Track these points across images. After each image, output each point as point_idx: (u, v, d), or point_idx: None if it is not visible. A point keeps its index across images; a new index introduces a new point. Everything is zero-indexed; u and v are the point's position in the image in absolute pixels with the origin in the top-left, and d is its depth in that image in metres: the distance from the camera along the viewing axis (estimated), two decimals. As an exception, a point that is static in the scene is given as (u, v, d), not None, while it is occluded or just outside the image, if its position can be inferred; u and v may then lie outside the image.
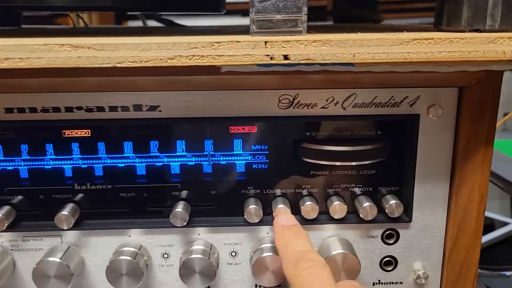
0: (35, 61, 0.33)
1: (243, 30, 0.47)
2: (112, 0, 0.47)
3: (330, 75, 0.38)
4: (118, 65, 0.33)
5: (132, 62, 0.33)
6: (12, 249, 0.43)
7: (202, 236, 0.44)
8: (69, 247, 0.43)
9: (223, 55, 0.34)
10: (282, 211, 0.42)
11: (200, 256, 0.41)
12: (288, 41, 0.34)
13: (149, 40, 0.33)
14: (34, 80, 0.39)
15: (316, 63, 0.34)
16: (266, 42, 0.34)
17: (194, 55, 0.33)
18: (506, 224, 1.45)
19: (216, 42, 0.33)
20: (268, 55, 0.34)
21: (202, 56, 0.33)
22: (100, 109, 0.40)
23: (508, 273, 1.26)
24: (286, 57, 0.34)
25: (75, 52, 0.33)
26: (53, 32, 0.65)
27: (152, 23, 1.01)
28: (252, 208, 0.42)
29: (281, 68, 0.36)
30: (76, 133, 0.42)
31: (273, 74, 0.38)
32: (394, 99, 0.41)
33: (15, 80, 0.38)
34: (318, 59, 0.34)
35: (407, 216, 0.44)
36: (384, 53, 0.34)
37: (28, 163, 0.43)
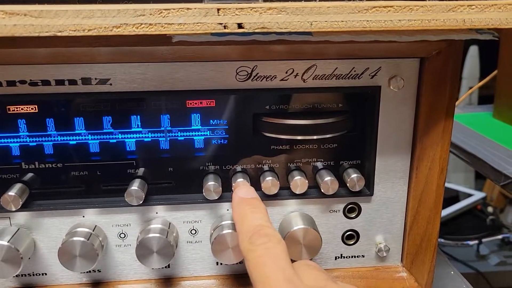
0: (-35, 29, 0.30)
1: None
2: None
3: (290, 45, 0.37)
4: (59, 34, 0.31)
5: (74, 30, 0.31)
6: (-44, 233, 0.41)
7: (160, 214, 0.42)
8: (19, 229, 0.41)
9: (172, 24, 0.31)
10: (241, 184, 0.40)
11: (157, 235, 0.40)
12: (242, 8, 0.32)
13: (92, 7, 0.31)
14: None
15: (272, 32, 0.33)
16: (218, 10, 0.32)
17: (141, 23, 0.31)
18: (469, 195, 1.49)
19: (165, 9, 0.31)
20: (221, 24, 0.32)
21: (150, 24, 0.31)
22: (46, 82, 0.38)
23: (471, 242, 1.30)
24: (240, 25, 0.32)
25: (10, 19, 0.30)
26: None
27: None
28: (211, 185, 0.41)
29: (236, 38, 0.34)
30: (22, 109, 0.40)
31: (231, 45, 0.36)
32: (355, 71, 0.40)
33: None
34: (274, 28, 0.32)
35: (368, 189, 0.43)
36: (342, 21, 0.32)
37: (-30, 141, 0.40)
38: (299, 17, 0.32)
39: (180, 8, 0.31)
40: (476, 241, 1.28)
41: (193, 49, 0.37)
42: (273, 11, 0.32)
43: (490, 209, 1.45)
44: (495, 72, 0.94)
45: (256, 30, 0.32)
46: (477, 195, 1.49)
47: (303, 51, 0.38)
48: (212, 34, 0.33)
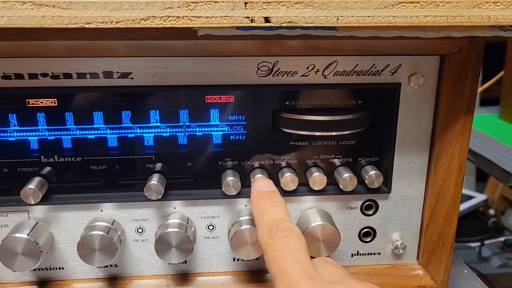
0: (-6, 20, 0.30)
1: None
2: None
3: (310, 41, 0.37)
4: (87, 26, 0.31)
5: (102, 22, 0.31)
6: (-26, 226, 0.41)
7: (178, 209, 0.42)
8: (37, 222, 0.41)
9: (200, 17, 0.31)
10: (260, 177, 0.40)
11: (176, 229, 0.40)
12: (269, 2, 0.32)
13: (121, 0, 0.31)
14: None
15: (298, 26, 0.33)
16: (246, 3, 0.32)
17: (169, 16, 0.31)
18: (471, 198, 1.50)
19: (192, 2, 0.31)
20: (248, 17, 0.32)
21: (178, 17, 0.31)
22: (67, 76, 0.38)
23: (473, 244, 1.30)
24: (267, 19, 0.32)
25: (39, 10, 0.30)
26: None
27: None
28: (230, 180, 0.41)
29: (261, 32, 0.34)
30: (42, 102, 0.40)
31: (252, 39, 0.36)
32: (375, 67, 0.40)
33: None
34: (301, 22, 0.32)
35: (386, 186, 0.43)
36: (368, 16, 0.32)
37: (-11, 134, 0.40)
38: (326, 12, 0.32)
39: (207, 1, 0.31)
40: (478, 243, 1.28)
41: (216, 43, 0.37)
42: (300, 5, 0.32)
43: (491, 211, 1.45)
44: (501, 73, 0.94)
45: (282, 25, 0.32)
46: (479, 197, 1.49)
47: (322, 47, 0.38)
48: (237, 28, 0.33)
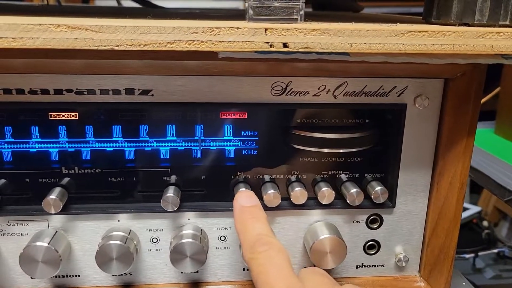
0: (29, 41, 0.32)
1: (231, 15, 0.47)
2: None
3: (319, 63, 0.39)
4: (116, 48, 0.33)
5: (131, 45, 0.33)
6: (-4, 234, 0.42)
7: (191, 220, 0.44)
8: (57, 231, 0.42)
9: (222, 41, 0.33)
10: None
11: (190, 240, 0.41)
12: (288, 29, 0.34)
13: (148, 24, 0.33)
14: (21, 60, 0.38)
15: (313, 51, 0.35)
16: (266, 29, 0.34)
17: (194, 40, 0.33)
18: (465, 209, 1.52)
19: (216, 28, 0.33)
20: (267, 43, 0.34)
21: (202, 41, 0.33)
22: (91, 92, 0.39)
23: (467, 255, 1.32)
24: (285, 45, 0.34)
25: (72, 33, 0.32)
26: (26, 10, 0.62)
27: (127, 3, 0.98)
28: (243, 194, 0.42)
29: (279, 56, 0.36)
30: (63, 115, 0.41)
31: (264, 61, 0.38)
32: (383, 89, 0.42)
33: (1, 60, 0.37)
34: (316, 48, 0.34)
35: (391, 202, 0.45)
36: (380, 43, 0.35)
37: (12, 146, 0.42)
38: (340, 39, 0.34)
39: (230, 27, 0.33)
40: (472, 255, 1.30)
41: (234, 64, 0.39)
42: (316, 32, 0.34)
43: (485, 223, 1.47)
44: (497, 89, 0.97)
45: (299, 50, 0.34)
46: (473, 209, 1.51)
47: (331, 69, 0.40)
48: (256, 52, 0.35)
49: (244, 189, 0.43)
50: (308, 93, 0.42)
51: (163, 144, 0.43)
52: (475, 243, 1.35)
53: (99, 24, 0.32)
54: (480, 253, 1.34)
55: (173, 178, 0.44)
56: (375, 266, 0.48)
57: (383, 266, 0.48)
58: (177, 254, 0.41)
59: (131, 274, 0.45)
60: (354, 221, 0.46)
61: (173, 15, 0.49)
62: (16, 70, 0.38)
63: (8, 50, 0.32)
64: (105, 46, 0.32)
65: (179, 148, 0.43)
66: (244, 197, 0.40)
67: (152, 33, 0.33)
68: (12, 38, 0.32)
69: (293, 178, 0.45)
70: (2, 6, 0.72)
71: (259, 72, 0.40)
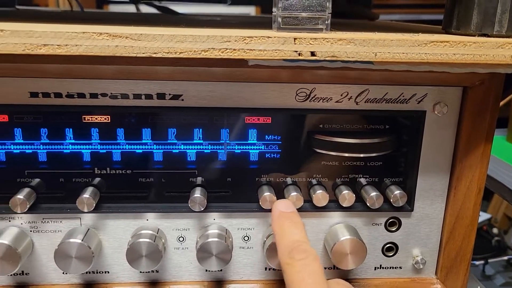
0: (73, 48, 0.34)
1: (252, 22, 0.48)
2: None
3: (340, 71, 0.41)
4: (154, 55, 0.35)
5: (167, 53, 0.35)
6: (31, 231, 0.44)
7: (217, 221, 0.46)
8: (89, 229, 0.44)
9: (254, 50, 0.35)
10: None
11: (216, 239, 0.43)
12: (315, 38, 0.36)
13: (183, 32, 0.35)
14: (59, 65, 0.39)
15: (339, 60, 0.37)
16: (295, 39, 0.35)
17: (226, 48, 0.35)
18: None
19: (248, 37, 0.35)
20: (296, 51, 0.36)
21: (234, 49, 0.35)
22: (125, 96, 0.41)
23: (477, 262, 1.32)
24: (313, 53, 0.36)
25: (113, 41, 0.34)
26: (51, 16, 0.65)
27: (144, 8, 1.01)
28: (267, 195, 0.44)
29: (306, 64, 0.38)
30: (96, 118, 0.43)
31: (288, 68, 0.40)
32: (403, 96, 0.44)
33: (39, 65, 0.39)
34: (342, 57, 0.36)
35: (409, 205, 0.47)
36: (403, 53, 0.36)
37: (47, 147, 0.44)
38: (365, 48, 0.36)
39: (261, 36, 0.35)
40: (482, 261, 1.31)
41: (260, 71, 0.41)
42: (343, 42, 0.36)
43: (495, 230, 1.47)
44: (510, 96, 0.98)
45: (326, 58, 0.36)
46: (483, 216, 1.51)
47: (350, 77, 0.42)
48: (285, 60, 0.37)
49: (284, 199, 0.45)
50: (331, 99, 0.43)
51: (190, 147, 0.45)
52: (485, 250, 1.36)
53: (139, 33, 0.34)
54: (490, 260, 1.34)
55: (200, 179, 0.46)
56: (392, 268, 0.49)
57: (401, 268, 0.49)
58: (203, 253, 0.43)
59: (157, 272, 0.47)
60: (373, 224, 0.47)
61: (197, 23, 0.51)
62: (53, 75, 0.40)
63: (48, 56, 0.34)
64: (143, 53, 0.34)
65: (205, 151, 0.45)
66: (283, 203, 0.42)
67: (188, 41, 0.35)
68: (57, 45, 0.34)
69: (314, 181, 0.47)
70: (30, 13, 0.74)
71: (281, 79, 0.42)
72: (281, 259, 0.38)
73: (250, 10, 2.44)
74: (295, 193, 0.45)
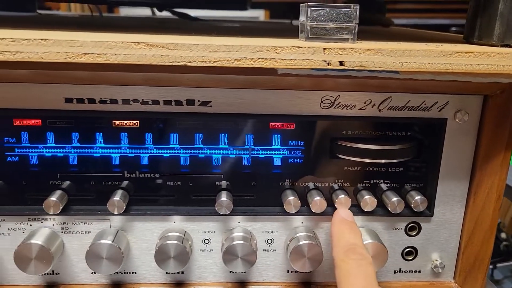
0: (112, 57, 0.35)
1: (269, 28, 0.50)
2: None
3: (362, 79, 0.42)
4: (189, 64, 0.36)
5: (202, 62, 0.36)
6: (62, 232, 0.45)
7: (241, 224, 0.47)
8: (118, 231, 0.45)
9: (284, 59, 0.37)
10: (343, 201, 0.45)
11: (242, 242, 0.44)
12: (344, 48, 0.37)
13: (217, 42, 0.36)
14: (93, 72, 0.41)
15: (366, 69, 0.38)
16: (324, 49, 0.37)
17: (258, 58, 0.36)
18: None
19: (279, 47, 0.36)
20: (325, 61, 0.37)
21: (266, 59, 0.36)
22: (155, 102, 0.43)
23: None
24: (341, 63, 0.37)
25: (150, 50, 0.35)
26: (74, 22, 0.66)
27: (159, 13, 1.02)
28: (291, 199, 0.45)
29: (333, 73, 0.39)
30: (126, 123, 0.45)
31: (312, 77, 0.41)
32: (425, 104, 0.45)
33: (74, 72, 0.40)
34: (370, 66, 0.37)
35: (429, 210, 0.48)
36: (429, 63, 0.37)
37: (78, 150, 0.45)
38: (392, 58, 0.37)
39: (292, 46, 0.36)
40: (491, 266, 1.31)
41: (288, 79, 0.42)
42: (370, 52, 0.37)
43: (503, 235, 1.48)
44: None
45: (354, 68, 0.37)
46: (491, 221, 1.51)
47: (369, 84, 0.43)
48: (313, 69, 0.38)
49: (343, 195, 0.46)
50: (354, 106, 0.44)
51: (216, 152, 0.46)
52: (493, 254, 1.36)
53: (175, 42, 0.35)
54: (498, 265, 1.35)
55: (225, 183, 0.47)
56: (412, 271, 0.50)
57: (420, 272, 0.50)
58: (229, 255, 0.44)
59: (183, 273, 0.48)
60: (394, 228, 0.48)
61: (218, 30, 0.52)
62: (87, 81, 0.41)
63: (85, 64, 0.35)
64: (179, 62, 0.36)
65: (231, 155, 0.47)
66: (345, 212, 0.45)
67: (222, 51, 0.36)
68: (97, 54, 0.35)
69: (336, 186, 0.48)
70: (52, 19, 0.76)
71: (305, 86, 0.43)
72: (336, 256, 0.40)
73: (259, 14, 2.45)
74: (318, 198, 0.46)
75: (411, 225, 0.48)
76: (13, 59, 0.34)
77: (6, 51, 0.34)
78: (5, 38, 0.34)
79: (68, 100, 0.42)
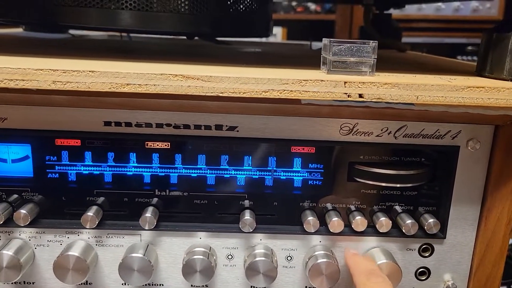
0: (151, 87, 0.39)
1: (296, 55, 0.53)
2: (183, 27, 0.52)
3: (376, 109, 0.45)
4: (221, 95, 0.39)
5: (232, 92, 0.39)
6: (96, 244, 0.49)
7: (263, 241, 0.50)
8: (148, 245, 0.49)
9: (308, 91, 0.40)
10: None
11: (263, 258, 0.47)
12: (363, 82, 0.40)
13: (247, 74, 0.39)
14: (131, 99, 0.44)
15: (384, 101, 0.41)
16: (345, 82, 0.40)
17: (284, 90, 0.40)
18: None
19: (304, 80, 0.39)
20: (346, 93, 0.40)
21: (291, 91, 0.40)
22: (187, 126, 0.46)
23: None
24: (360, 95, 0.40)
25: (186, 81, 0.39)
26: (108, 47, 0.70)
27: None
28: (311, 220, 0.48)
29: (353, 104, 0.42)
30: (158, 145, 0.48)
31: (342, 107, 0.44)
32: (439, 132, 0.47)
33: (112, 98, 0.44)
34: (387, 99, 0.40)
35: (442, 233, 0.50)
36: (442, 96, 0.40)
37: (113, 169, 0.48)
38: (408, 92, 0.40)
39: (316, 80, 0.40)
40: (505, 287, 1.31)
41: (311, 107, 0.45)
42: (388, 86, 0.40)
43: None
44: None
45: (372, 100, 0.40)
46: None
47: (385, 113, 0.46)
48: (334, 100, 0.41)
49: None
50: (372, 133, 0.47)
51: (240, 173, 0.50)
52: (507, 275, 1.36)
53: (209, 75, 0.39)
54: (512, 286, 1.34)
55: (248, 202, 0.50)
56: (425, 291, 0.52)
57: (432, 291, 0.52)
58: (252, 271, 0.47)
59: (207, 286, 0.51)
60: (408, 249, 0.51)
61: (244, 57, 0.55)
62: (124, 106, 0.45)
63: (127, 93, 0.39)
64: (211, 92, 0.39)
65: (254, 176, 0.50)
66: (354, 250, 0.50)
67: (251, 83, 0.39)
68: (138, 84, 0.39)
69: (353, 207, 0.51)
70: (86, 43, 0.80)
71: (323, 114, 0.46)
72: (358, 281, 0.44)
73: (276, 31, 2.50)
74: (336, 218, 0.48)
75: (424, 246, 0.51)
76: (63, 88, 0.38)
77: (58, 81, 0.38)
78: (57, 70, 0.38)
79: (107, 123, 0.46)
